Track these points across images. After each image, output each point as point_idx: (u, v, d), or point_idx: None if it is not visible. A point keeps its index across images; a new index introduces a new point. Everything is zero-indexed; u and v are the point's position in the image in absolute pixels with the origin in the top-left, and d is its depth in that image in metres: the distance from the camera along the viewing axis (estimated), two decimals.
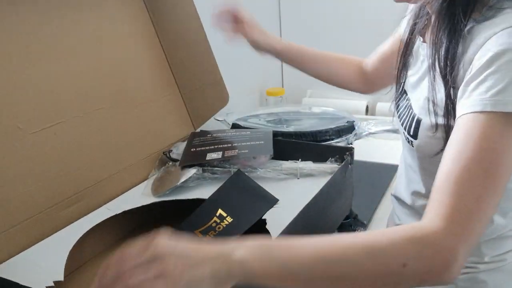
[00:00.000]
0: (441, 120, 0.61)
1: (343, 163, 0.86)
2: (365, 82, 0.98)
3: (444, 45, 0.59)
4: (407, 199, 0.78)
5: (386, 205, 1.05)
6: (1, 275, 0.63)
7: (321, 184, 0.78)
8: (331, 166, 0.90)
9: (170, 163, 0.96)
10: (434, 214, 0.49)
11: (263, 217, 0.73)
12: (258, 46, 0.97)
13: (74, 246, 0.70)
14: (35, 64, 0.77)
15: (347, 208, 0.94)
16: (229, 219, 0.74)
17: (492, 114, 0.51)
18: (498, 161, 0.50)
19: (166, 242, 0.45)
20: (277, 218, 0.72)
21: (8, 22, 0.74)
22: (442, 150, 0.59)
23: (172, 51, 1.04)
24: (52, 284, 0.61)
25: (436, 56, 0.61)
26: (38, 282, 0.61)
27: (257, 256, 0.45)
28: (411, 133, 0.68)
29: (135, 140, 0.93)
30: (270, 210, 0.74)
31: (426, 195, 0.71)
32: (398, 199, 0.83)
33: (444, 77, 0.59)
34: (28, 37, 0.76)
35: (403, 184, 0.81)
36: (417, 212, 0.76)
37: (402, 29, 0.81)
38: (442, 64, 0.60)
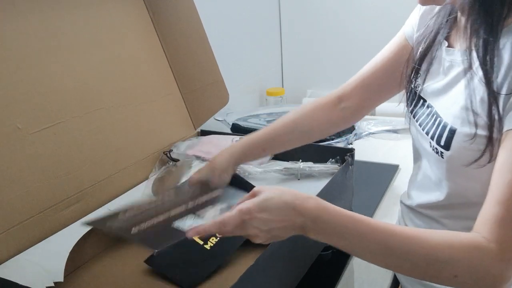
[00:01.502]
0: (481, 131, 0.57)
1: (343, 164, 0.86)
2: (346, 117, 0.84)
3: (481, 47, 0.55)
4: (421, 209, 0.74)
5: (386, 205, 1.05)
6: (1, 275, 0.62)
7: (322, 185, 0.78)
8: (331, 167, 0.91)
9: (170, 163, 0.96)
10: (489, 236, 0.51)
11: None
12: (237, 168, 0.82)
13: (75, 246, 0.70)
14: (35, 64, 0.77)
15: (347, 209, 0.94)
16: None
17: None
18: None
19: (255, 225, 0.55)
20: None
21: (8, 22, 0.74)
22: (476, 161, 0.58)
23: (173, 51, 1.04)
24: (52, 284, 0.61)
25: (474, 60, 0.57)
26: (38, 282, 0.61)
27: (325, 234, 0.55)
28: (442, 144, 0.63)
29: (135, 140, 0.93)
30: None
31: (446, 206, 0.68)
32: (409, 208, 0.79)
33: (486, 83, 0.55)
34: (28, 37, 0.76)
35: (417, 193, 0.76)
36: (432, 220, 0.72)
37: (399, 38, 0.76)
38: (482, 68, 0.56)
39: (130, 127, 0.92)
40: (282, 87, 1.84)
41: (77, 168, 0.80)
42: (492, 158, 0.57)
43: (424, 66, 0.69)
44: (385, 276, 0.84)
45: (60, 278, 0.62)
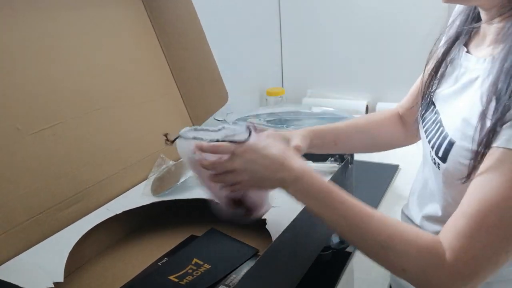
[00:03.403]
0: (480, 148, 0.54)
1: (343, 163, 0.86)
2: (408, 131, 0.84)
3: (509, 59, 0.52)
4: (418, 221, 0.72)
5: (386, 205, 1.05)
6: (0, 276, 0.62)
7: None
8: (331, 166, 0.91)
9: (170, 162, 0.96)
10: (448, 243, 0.51)
11: (263, 217, 0.72)
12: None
13: (74, 247, 0.70)
14: (35, 64, 0.77)
15: None
16: (206, 266, 0.73)
17: None
18: None
19: (243, 160, 0.60)
20: (277, 218, 0.72)
21: (8, 22, 0.74)
22: (469, 176, 0.55)
23: (171, 51, 1.04)
24: (52, 285, 0.61)
25: (499, 77, 0.53)
26: (38, 283, 0.61)
27: (302, 194, 0.59)
28: (440, 155, 0.61)
29: (135, 140, 0.93)
30: (270, 210, 0.74)
31: (443, 221, 0.64)
32: (408, 218, 0.77)
33: (502, 106, 0.51)
34: (28, 37, 0.76)
35: (415, 204, 0.75)
36: None
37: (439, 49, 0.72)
38: (504, 87, 0.51)
39: (129, 127, 0.92)
40: (282, 87, 1.84)
41: (77, 169, 0.80)
42: None
43: (440, 70, 0.68)
44: (385, 276, 0.84)
45: (60, 279, 0.62)
